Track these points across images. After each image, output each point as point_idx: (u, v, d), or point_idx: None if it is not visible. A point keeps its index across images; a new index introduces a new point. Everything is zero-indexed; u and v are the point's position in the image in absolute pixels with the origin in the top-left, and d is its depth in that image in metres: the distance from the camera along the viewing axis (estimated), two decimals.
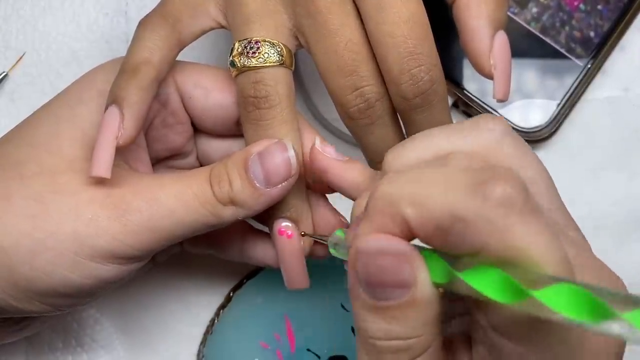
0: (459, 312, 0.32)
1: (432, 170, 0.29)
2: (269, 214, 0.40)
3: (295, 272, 0.40)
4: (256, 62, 0.38)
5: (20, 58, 0.50)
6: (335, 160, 0.38)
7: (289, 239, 0.40)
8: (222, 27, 0.40)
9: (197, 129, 0.43)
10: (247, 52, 0.38)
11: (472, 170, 0.28)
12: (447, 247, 0.27)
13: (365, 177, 0.38)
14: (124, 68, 0.38)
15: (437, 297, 0.28)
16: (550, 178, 0.32)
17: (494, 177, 0.27)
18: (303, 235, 0.40)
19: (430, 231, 0.27)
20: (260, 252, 0.42)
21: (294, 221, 0.40)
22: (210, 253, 0.43)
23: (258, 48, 0.38)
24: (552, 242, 0.26)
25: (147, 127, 0.42)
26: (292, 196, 0.39)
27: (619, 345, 0.29)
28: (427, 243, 0.28)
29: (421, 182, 0.28)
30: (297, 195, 0.40)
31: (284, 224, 0.40)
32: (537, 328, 0.27)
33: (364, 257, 0.28)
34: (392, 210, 0.28)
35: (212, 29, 0.40)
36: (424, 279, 0.28)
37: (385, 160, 0.33)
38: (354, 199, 0.38)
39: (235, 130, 0.42)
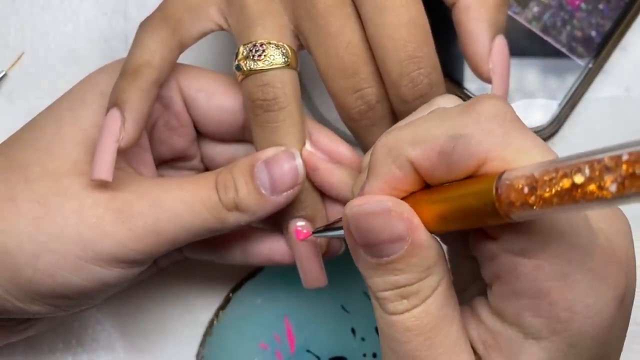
0: (474, 276, 0.33)
1: (421, 116, 0.31)
2: (283, 214, 0.40)
3: (313, 271, 0.41)
4: (262, 65, 0.38)
5: (19, 57, 0.50)
6: (325, 160, 0.39)
7: (305, 238, 0.40)
8: (223, 29, 0.40)
9: (201, 133, 0.43)
10: (253, 56, 0.38)
11: (457, 104, 0.31)
12: (453, 170, 0.28)
13: (354, 178, 0.38)
14: (125, 70, 0.38)
15: (434, 239, 0.30)
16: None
17: (481, 98, 0.29)
18: (316, 232, 0.40)
19: (435, 160, 0.28)
20: (265, 249, 0.42)
21: (310, 220, 0.40)
22: (211, 259, 0.43)
23: (263, 51, 0.38)
24: (546, 147, 0.28)
25: (150, 129, 0.42)
26: (307, 195, 0.39)
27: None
28: (433, 176, 0.29)
29: (414, 125, 0.30)
30: (312, 195, 0.40)
31: (299, 223, 0.40)
32: (549, 238, 0.28)
33: (355, 221, 0.30)
34: (394, 155, 0.29)
35: (212, 31, 0.40)
36: (417, 227, 0.29)
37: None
38: (340, 200, 0.40)
39: (239, 135, 0.42)
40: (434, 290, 0.30)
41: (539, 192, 0.24)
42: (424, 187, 0.30)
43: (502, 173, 0.26)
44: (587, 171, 0.23)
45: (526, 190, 0.25)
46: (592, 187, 0.23)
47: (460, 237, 0.32)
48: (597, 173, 0.23)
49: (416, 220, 0.29)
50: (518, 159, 0.27)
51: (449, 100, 0.34)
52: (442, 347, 0.29)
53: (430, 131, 0.29)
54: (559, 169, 0.24)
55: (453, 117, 0.29)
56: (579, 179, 0.23)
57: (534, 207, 0.25)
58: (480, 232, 0.29)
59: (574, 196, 0.23)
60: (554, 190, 0.24)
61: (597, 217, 0.29)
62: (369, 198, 0.30)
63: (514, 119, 0.28)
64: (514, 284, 0.28)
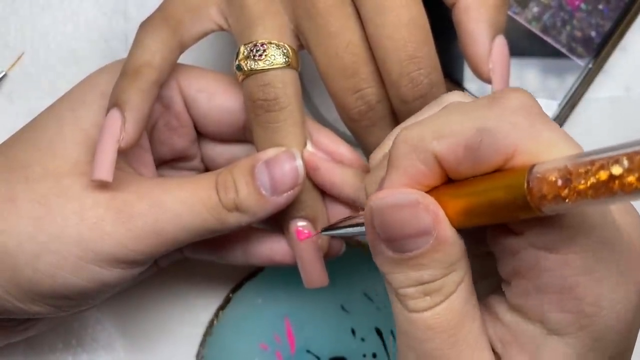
0: (483, 275, 0.33)
1: (438, 111, 0.30)
2: (284, 214, 0.40)
3: (314, 271, 0.41)
4: (263, 65, 0.38)
5: (19, 57, 0.50)
6: (327, 160, 0.39)
7: (306, 238, 0.40)
8: (223, 29, 0.40)
9: (201, 134, 0.43)
10: (254, 56, 0.38)
11: (480, 97, 0.30)
12: (480, 164, 0.28)
13: (357, 177, 0.39)
14: (125, 71, 0.38)
15: (458, 235, 0.29)
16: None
17: (506, 91, 0.28)
18: (321, 232, 0.39)
19: (461, 154, 0.28)
20: (266, 250, 0.42)
21: (311, 220, 0.40)
22: (212, 259, 0.43)
23: (264, 51, 0.38)
24: (573, 140, 0.28)
25: (151, 129, 0.42)
26: (308, 195, 0.40)
27: None
28: (458, 171, 0.28)
29: (435, 119, 0.29)
30: (312, 194, 0.40)
31: (300, 223, 0.40)
32: (578, 232, 0.27)
33: (379, 213, 0.29)
34: (418, 149, 0.28)
35: (213, 31, 0.40)
36: (443, 221, 0.28)
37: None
38: (342, 199, 0.39)
39: (239, 135, 0.42)
40: (458, 286, 0.29)
41: (573, 185, 0.24)
42: (445, 181, 0.29)
43: (533, 166, 0.26)
44: (625, 162, 0.22)
45: (560, 182, 0.24)
46: (630, 178, 0.22)
47: (468, 234, 0.32)
48: (636, 164, 0.22)
49: (442, 214, 0.28)
50: (546, 152, 0.27)
51: (458, 97, 0.33)
52: (465, 344, 0.29)
53: (455, 125, 0.28)
54: (594, 161, 0.23)
55: (477, 110, 0.28)
56: (617, 170, 0.23)
57: (567, 200, 0.24)
58: (500, 226, 0.29)
59: (611, 188, 0.23)
60: (589, 183, 0.23)
61: (613, 211, 0.29)
62: (394, 191, 0.29)
63: (540, 112, 0.28)
64: (536, 279, 0.28)
